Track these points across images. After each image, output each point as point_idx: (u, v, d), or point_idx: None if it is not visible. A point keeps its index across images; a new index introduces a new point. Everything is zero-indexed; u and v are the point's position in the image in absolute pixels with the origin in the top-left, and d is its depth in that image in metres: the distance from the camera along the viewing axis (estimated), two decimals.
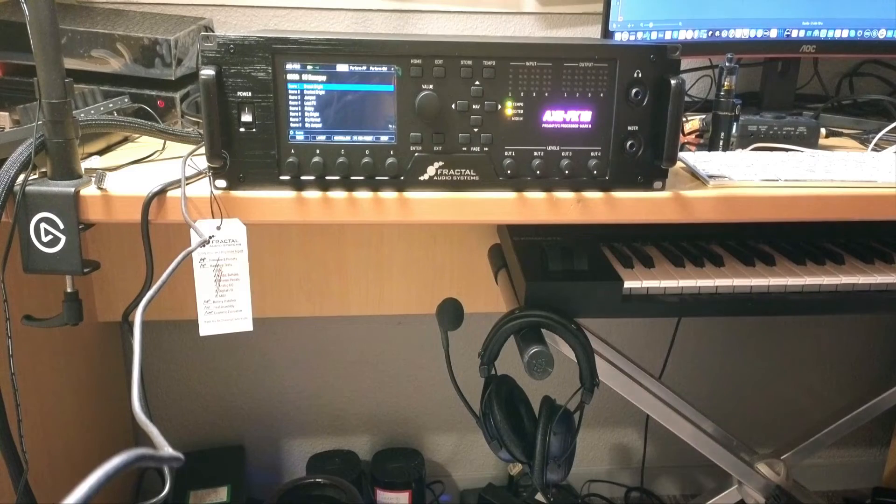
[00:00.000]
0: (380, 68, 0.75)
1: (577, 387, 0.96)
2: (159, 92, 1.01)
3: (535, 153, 0.79)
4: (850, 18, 1.05)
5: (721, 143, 1.00)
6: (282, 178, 0.77)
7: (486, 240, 1.36)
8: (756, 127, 1.00)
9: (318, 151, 0.76)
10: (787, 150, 1.01)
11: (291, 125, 0.76)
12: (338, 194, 0.78)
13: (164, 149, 0.93)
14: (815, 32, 1.05)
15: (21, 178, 0.74)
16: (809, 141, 1.03)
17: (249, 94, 0.74)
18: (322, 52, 0.74)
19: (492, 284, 1.27)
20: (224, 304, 0.81)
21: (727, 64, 0.98)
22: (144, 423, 0.47)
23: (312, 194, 0.77)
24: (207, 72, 0.72)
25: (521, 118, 0.78)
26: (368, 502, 1.50)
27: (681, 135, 0.86)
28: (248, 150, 0.76)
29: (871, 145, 1.06)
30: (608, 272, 0.97)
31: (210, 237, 0.77)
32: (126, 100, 0.97)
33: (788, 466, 1.27)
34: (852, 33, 1.06)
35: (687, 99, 1.30)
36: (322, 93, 0.75)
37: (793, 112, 1.14)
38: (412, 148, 0.77)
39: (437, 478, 1.71)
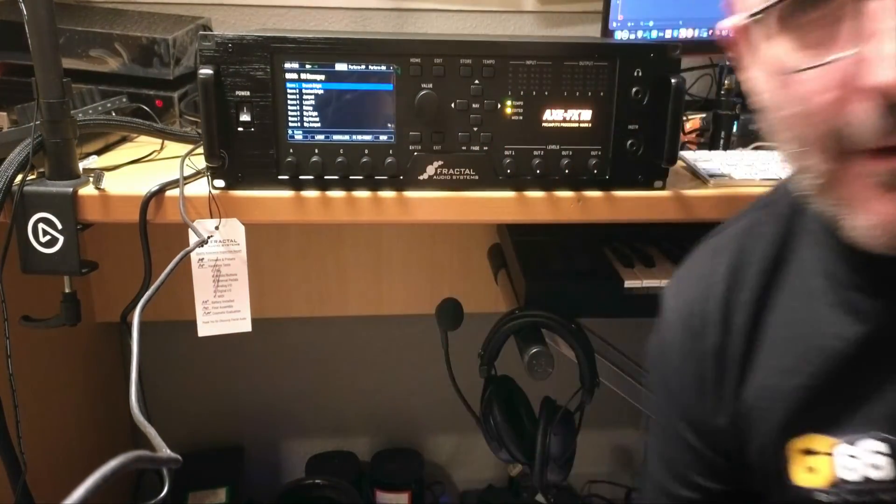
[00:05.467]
0: (379, 67, 0.75)
1: (578, 387, 0.96)
2: (157, 91, 1.01)
3: (535, 152, 0.78)
4: None
5: (722, 142, 1.00)
6: (280, 177, 0.77)
7: (486, 239, 1.36)
8: (757, 126, 1.00)
9: (316, 151, 0.76)
10: None
11: (290, 124, 0.75)
12: (337, 194, 0.77)
13: (162, 148, 0.92)
14: None
15: (19, 178, 0.73)
16: None
17: (248, 93, 0.74)
18: (321, 51, 0.74)
19: (492, 284, 1.26)
20: (222, 305, 0.80)
21: (728, 63, 0.98)
22: (143, 424, 0.47)
23: (311, 194, 0.77)
24: (206, 71, 0.72)
25: (521, 117, 0.77)
26: (368, 503, 1.49)
27: (681, 134, 0.86)
28: (246, 149, 0.75)
29: None
30: (608, 272, 0.97)
31: (208, 237, 0.76)
32: (124, 99, 0.97)
33: None
34: None
35: (687, 98, 1.29)
36: (321, 92, 0.75)
37: None
38: (411, 147, 0.77)
39: (437, 479, 1.71)
